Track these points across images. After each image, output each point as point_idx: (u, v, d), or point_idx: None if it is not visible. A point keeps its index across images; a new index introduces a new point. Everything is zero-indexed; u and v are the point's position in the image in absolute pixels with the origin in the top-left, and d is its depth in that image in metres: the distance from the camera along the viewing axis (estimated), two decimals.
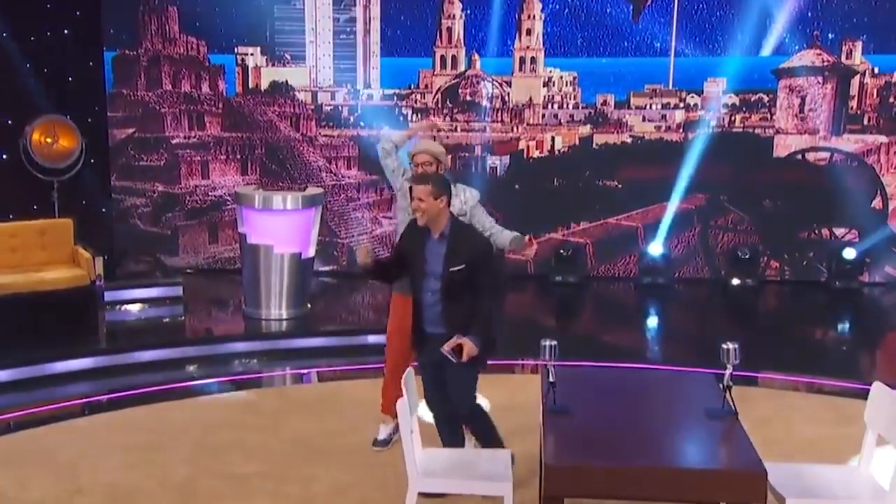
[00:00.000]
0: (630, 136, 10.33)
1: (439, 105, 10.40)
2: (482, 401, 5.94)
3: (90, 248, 8.33)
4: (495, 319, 5.01)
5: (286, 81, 10.37)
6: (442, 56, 10.31)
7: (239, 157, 10.49)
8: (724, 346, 4.34)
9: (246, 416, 6.53)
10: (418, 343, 5.13)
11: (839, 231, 10.35)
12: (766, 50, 9.99)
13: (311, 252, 8.69)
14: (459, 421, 5.20)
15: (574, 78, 10.31)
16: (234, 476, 5.56)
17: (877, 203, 10.24)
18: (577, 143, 10.36)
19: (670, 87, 10.27)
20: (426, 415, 5.29)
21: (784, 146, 10.20)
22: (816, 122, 10.14)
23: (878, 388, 4.43)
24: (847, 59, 10.02)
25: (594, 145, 10.36)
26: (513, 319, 9.57)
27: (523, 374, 7.59)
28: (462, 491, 4.58)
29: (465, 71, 10.36)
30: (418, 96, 10.42)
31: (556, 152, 10.42)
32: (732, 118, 10.22)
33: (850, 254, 10.00)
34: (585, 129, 10.34)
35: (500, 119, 10.43)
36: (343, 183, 10.44)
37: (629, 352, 8.17)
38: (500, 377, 7.30)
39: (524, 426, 5.79)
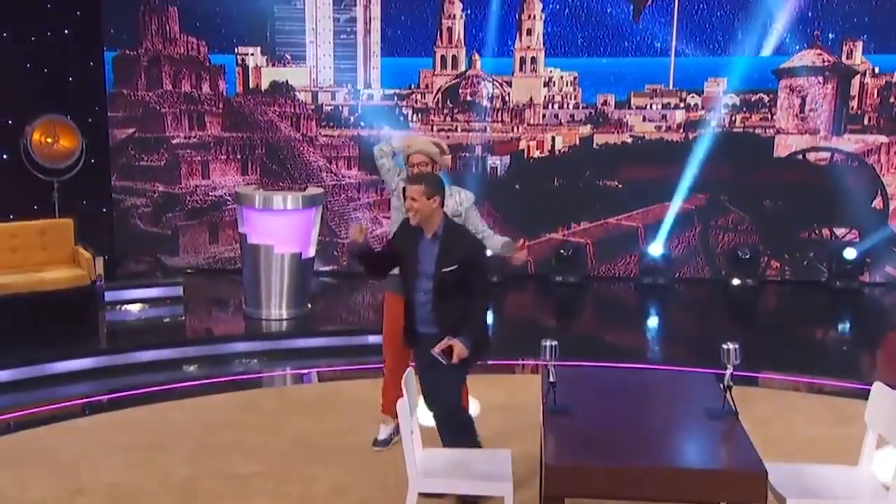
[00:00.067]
0: (630, 136, 10.33)
1: (439, 105, 10.40)
2: (473, 403, 5.96)
3: (90, 248, 8.34)
4: (484, 322, 5.00)
5: (286, 81, 10.37)
6: (442, 56, 10.32)
7: (239, 157, 10.49)
8: (725, 346, 4.33)
9: (246, 416, 6.53)
10: (411, 343, 5.13)
11: (840, 231, 10.35)
12: (767, 50, 9.99)
13: (312, 252, 8.69)
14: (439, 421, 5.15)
15: (574, 78, 10.31)
16: (234, 476, 5.56)
17: (877, 203, 10.24)
18: (578, 143, 10.36)
19: (671, 87, 10.27)
20: (426, 415, 5.28)
21: (784, 146, 10.20)
22: (817, 122, 10.14)
23: (878, 388, 4.43)
24: (847, 59, 10.02)
25: (594, 145, 10.36)
26: (513, 319, 9.62)
27: (523, 374, 7.59)
28: (462, 491, 4.58)
29: (466, 71, 10.36)
30: (419, 96, 10.42)
31: (557, 152, 10.42)
32: (733, 118, 10.22)
33: (850, 254, 10.00)
34: (586, 129, 10.34)
35: (500, 119, 10.42)
36: (343, 183, 10.44)
37: (629, 352, 8.17)
38: (500, 377, 7.32)
39: (524, 426, 5.79)
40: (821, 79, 10.05)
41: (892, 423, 4.24)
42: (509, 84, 10.36)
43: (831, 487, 4.27)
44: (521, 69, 10.30)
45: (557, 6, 10.12)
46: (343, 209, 10.46)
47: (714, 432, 4.26)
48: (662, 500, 3.92)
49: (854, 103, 10.12)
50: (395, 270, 5.24)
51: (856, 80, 10.06)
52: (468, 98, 10.40)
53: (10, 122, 9.36)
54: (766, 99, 10.17)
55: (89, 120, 9.78)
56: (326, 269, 10.37)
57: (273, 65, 10.35)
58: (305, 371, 7.68)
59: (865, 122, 10.13)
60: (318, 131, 10.44)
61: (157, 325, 8.77)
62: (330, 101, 10.43)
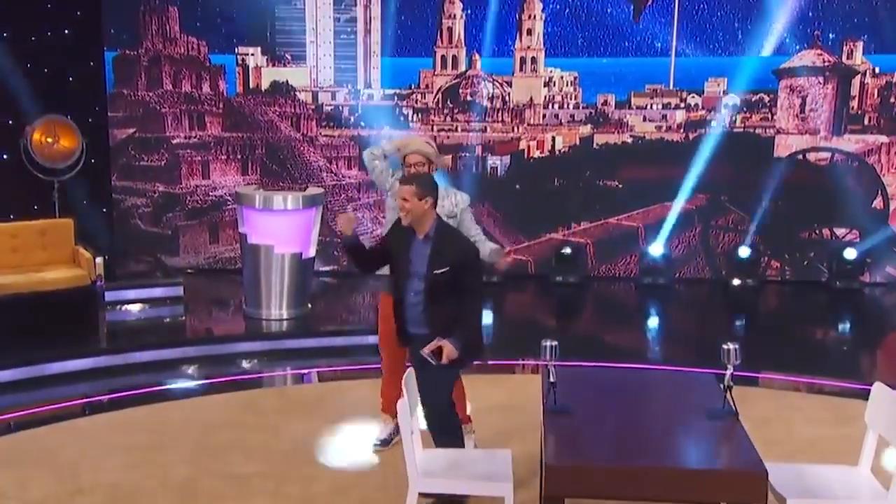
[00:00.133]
0: (631, 136, 10.33)
1: (440, 105, 10.40)
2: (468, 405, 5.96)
3: (91, 248, 8.34)
4: (476, 323, 4.97)
5: (287, 81, 10.37)
6: (442, 56, 10.32)
7: (239, 157, 10.49)
8: (725, 346, 4.33)
9: (246, 416, 6.53)
10: (404, 343, 5.13)
11: (840, 231, 10.35)
12: (767, 50, 9.99)
13: (312, 252, 8.69)
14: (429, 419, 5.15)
15: (575, 78, 10.31)
16: (234, 476, 5.56)
17: (877, 203, 10.24)
18: (578, 143, 10.36)
19: (671, 87, 10.27)
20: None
21: (785, 146, 10.20)
22: (817, 122, 10.14)
23: (878, 388, 4.42)
24: (848, 59, 10.02)
25: (595, 145, 10.36)
26: (513, 319, 9.63)
27: (523, 374, 7.59)
28: (462, 491, 4.57)
29: (466, 71, 10.36)
30: (419, 96, 10.42)
31: (557, 152, 10.42)
32: (733, 118, 10.21)
33: (850, 254, 10.00)
34: (586, 129, 10.34)
35: (500, 119, 10.42)
36: (343, 183, 10.44)
37: (630, 352, 8.17)
38: (500, 377, 7.32)
39: (524, 426, 5.79)
40: (821, 79, 10.05)
41: (892, 423, 4.23)
42: (509, 84, 10.36)
43: (831, 487, 4.27)
44: (521, 69, 10.30)
45: (557, 6, 10.12)
46: (343, 209, 10.45)
47: (714, 432, 4.26)
48: (662, 500, 3.92)
49: (854, 103, 10.12)
50: (386, 270, 5.22)
51: (856, 81, 10.06)
52: (468, 98, 10.40)
53: (10, 122, 9.36)
54: (767, 99, 10.16)
55: (89, 120, 9.79)
56: (326, 269, 10.38)
57: (273, 65, 10.36)
58: (305, 371, 7.68)
59: (866, 122, 10.13)
60: (318, 131, 10.44)
61: (157, 325, 8.77)
62: (330, 101, 10.43)
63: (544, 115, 10.38)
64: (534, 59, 10.26)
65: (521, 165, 10.45)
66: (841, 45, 9.98)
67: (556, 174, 10.41)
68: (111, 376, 7.37)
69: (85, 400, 6.91)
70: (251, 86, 10.37)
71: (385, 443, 5.89)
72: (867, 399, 4.49)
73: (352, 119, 10.41)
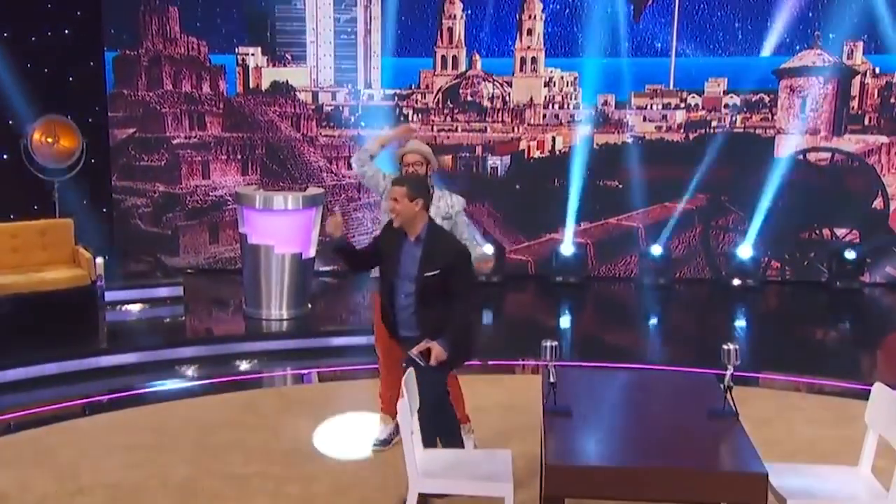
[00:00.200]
0: (631, 136, 10.33)
1: (440, 105, 10.40)
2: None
3: (91, 248, 8.34)
4: (466, 325, 4.96)
5: (287, 81, 10.37)
6: (443, 56, 10.32)
7: (240, 157, 10.49)
8: (725, 346, 4.33)
9: (246, 416, 6.53)
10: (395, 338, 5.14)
11: (840, 231, 10.35)
12: (767, 50, 9.99)
13: (312, 252, 8.69)
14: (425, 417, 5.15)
15: (575, 78, 10.31)
16: (234, 476, 5.56)
17: (878, 203, 10.24)
18: (578, 143, 10.36)
19: (671, 87, 10.27)
20: None
21: (785, 146, 10.20)
22: (817, 122, 10.14)
23: (878, 388, 4.42)
24: (848, 59, 10.03)
25: (595, 145, 10.36)
26: (513, 319, 9.63)
27: (524, 374, 7.58)
28: (462, 492, 4.57)
29: (466, 71, 10.36)
30: (419, 96, 10.42)
31: (557, 152, 10.42)
32: (733, 118, 10.21)
33: (850, 254, 10.00)
34: (586, 130, 10.34)
35: (500, 119, 10.42)
36: (344, 183, 10.44)
37: (630, 352, 8.16)
38: (500, 377, 7.32)
39: (524, 426, 5.79)
40: (821, 79, 10.05)
41: (892, 423, 4.23)
42: (509, 84, 10.36)
43: (831, 488, 4.27)
44: (521, 69, 10.30)
45: (558, 6, 10.12)
46: (343, 209, 10.46)
47: (714, 433, 4.26)
48: (662, 500, 3.92)
49: (854, 103, 10.12)
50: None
51: (856, 81, 10.06)
52: (468, 98, 10.40)
53: (10, 122, 9.36)
54: (767, 99, 10.17)
55: (90, 120, 9.79)
56: (326, 269, 10.37)
57: (273, 65, 10.36)
58: (305, 371, 7.68)
59: (866, 122, 10.13)
60: (318, 131, 10.44)
61: (157, 325, 8.76)
62: (330, 101, 10.43)
63: (544, 115, 10.38)
64: (534, 59, 10.26)
65: (521, 165, 10.45)
66: (841, 46, 9.98)
67: (555, 174, 10.41)
68: (111, 376, 7.36)
69: (85, 400, 6.90)
70: (251, 86, 10.37)
71: (385, 443, 5.89)
72: (867, 399, 4.49)
73: (352, 119, 10.41)
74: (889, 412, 4.27)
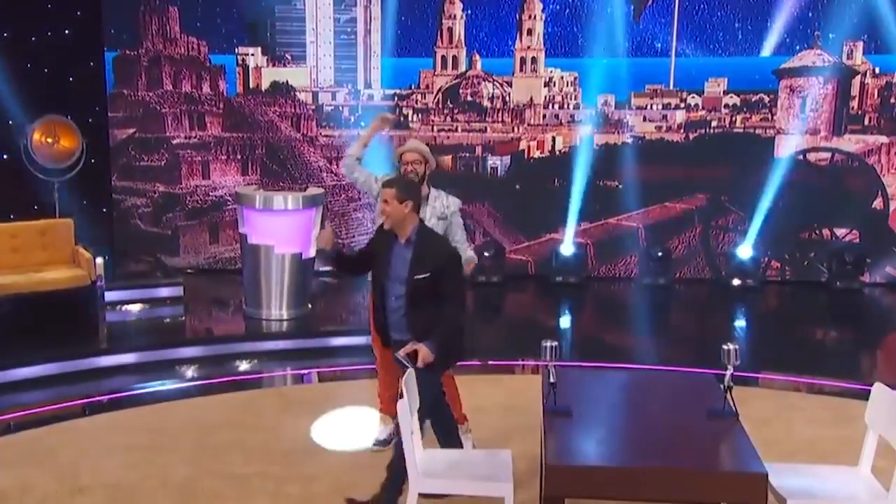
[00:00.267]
0: (631, 136, 10.33)
1: (440, 105, 10.41)
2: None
3: (91, 249, 8.34)
4: (457, 327, 4.95)
5: (287, 82, 10.37)
6: (443, 56, 10.32)
7: (239, 157, 10.49)
8: (725, 346, 4.33)
9: (246, 416, 6.53)
10: (387, 346, 5.14)
11: (840, 231, 10.36)
12: (767, 50, 9.99)
13: (312, 252, 8.68)
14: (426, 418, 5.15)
15: (575, 78, 10.31)
16: (234, 476, 5.56)
17: (878, 203, 10.24)
18: (578, 143, 10.36)
19: (671, 87, 10.27)
20: None
21: (785, 146, 10.20)
22: (817, 122, 10.14)
23: (878, 388, 4.42)
24: (848, 59, 10.03)
25: (595, 145, 10.36)
26: (513, 319, 9.63)
27: (523, 375, 7.58)
28: (462, 492, 4.57)
29: (466, 71, 10.36)
30: (419, 96, 10.42)
31: (557, 152, 10.42)
32: (733, 118, 10.22)
33: (850, 254, 10.02)
34: (586, 130, 10.34)
35: (500, 119, 10.43)
36: (344, 183, 10.43)
37: (630, 352, 8.16)
38: (500, 377, 7.32)
39: (524, 426, 5.79)
40: (821, 79, 10.06)
41: (892, 423, 4.23)
42: (509, 84, 10.37)
43: (831, 488, 4.27)
44: (521, 69, 10.30)
45: (558, 6, 10.12)
46: (344, 209, 10.46)
47: (714, 433, 4.26)
48: (662, 500, 3.92)
49: (854, 104, 10.12)
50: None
51: (856, 81, 10.06)
52: (468, 98, 10.40)
53: (10, 122, 9.36)
54: (767, 99, 10.17)
55: (89, 120, 9.78)
56: (326, 269, 10.36)
57: (273, 65, 10.36)
58: (305, 371, 7.68)
59: (866, 122, 10.14)
60: (318, 131, 10.44)
61: (157, 325, 8.76)
62: (330, 101, 10.43)
63: (544, 116, 10.38)
64: (534, 60, 10.26)
65: (521, 165, 10.45)
66: (841, 46, 9.98)
67: (555, 174, 10.41)
68: (111, 376, 7.36)
69: (85, 400, 6.90)
70: (251, 86, 10.37)
71: (384, 443, 5.88)
72: (867, 399, 4.49)
73: (352, 119, 10.41)
74: (889, 412, 4.27)
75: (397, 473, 4.76)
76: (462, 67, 10.35)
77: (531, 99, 10.34)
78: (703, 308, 9.99)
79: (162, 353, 7.75)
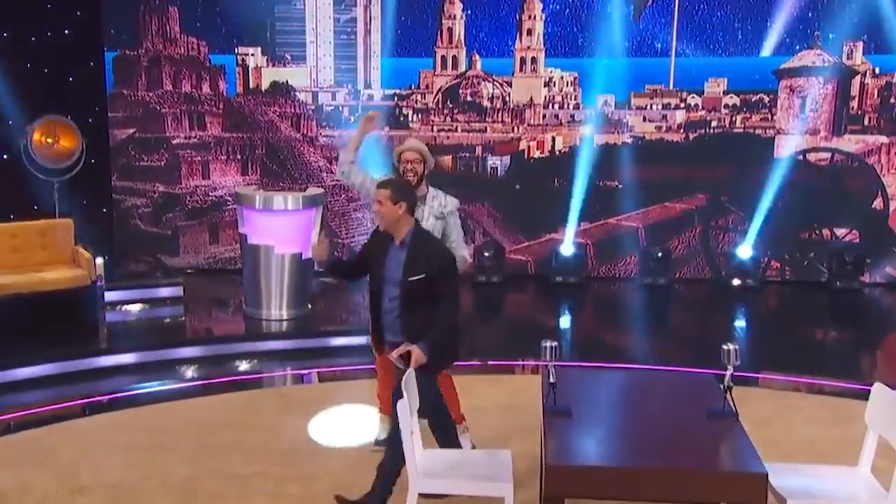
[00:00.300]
0: (631, 136, 10.33)
1: (440, 105, 10.41)
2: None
3: (91, 249, 8.34)
4: (451, 329, 4.95)
5: (287, 82, 10.37)
6: (443, 56, 10.32)
7: (239, 157, 10.49)
8: (725, 347, 4.33)
9: (246, 416, 6.53)
10: (381, 348, 5.14)
11: (840, 231, 10.36)
12: (767, 50, 9.99)
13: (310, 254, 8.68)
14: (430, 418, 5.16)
15: (575, 78, 10.32)
16: (234, 476, 5.56)
17: (877, 203, 10.24)
18: (578, 143, 10.36)
19: (671, 87, 10.27)
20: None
21: (785, 146, 10.20)
22: (817, 122, 10.14)
23: (878, 388, 4.42)
24: (848, 59, 10.03)
25: (595, 145, 10.36)
26: (513, 319, 9.63)
27: (523, 375, 7.58)
28: (462, 492, 4.57)
29: (466, 71, 10.36)
30: (419, 96, 10.42)
31: (557, 152, 10.42)
32: (733, 118, 10.22)
33: (850, 254, 10.02)
34: (586, 130, 10.34)
35: (500, 119, 10.43)
36: (344, 183, 10.40)
37: (629, 352, 8.16)
38: (500, 377, 7.32)
39: (524, 426, 5.79)
40: (821, 79, 10.06)
41: (892, 423, 4.24)
42: (509, 84, 10.37)
43: (831, 487, 4.27)
44: (521, 69, 10.30)
45: (557, 6, 10.12)
46: (344, 209, 10.46)
47: (714, 433, 4.26)
48: (662, 500, 3.92)
49: (854, 104, 10.12)
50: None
51: (856, 81, 10.06)
52: (468, 98, 10.40)
53: (10, 122, 9.36)
54: (767, 99, 10.17)
55: (89, 120, 9.79)
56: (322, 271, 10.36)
57: (273, 65, 10.36)
58: (305, 371, 7.68)
59: (866, 122, 10.14)
60: (318, 131, 10.44)
61: (157, 325, 8.77)
62: (330, 101, 10.43)
63: (544, 116, 10.38)
64: (534, 60, 10.26)
65: (521, 165, 10.45)
66: (841, 46, 9.98)
67: (555, 174, 10.41)
68: (111, 376, 7.37)
69: (85, 400, 6.90)
70: (251, 86, 10.37)
71: (385, 443, 5.88)
72: (867, 399, 4.49)
73: (352, 119, 10.41)
74: (889, 412, 4.27)
75: (388, 474, 4.77)
76: (462, 67, 10.36)
77: (531, 99, 10.34)
78: (703, 308, 9.99)
79: (162, 353, 7.75)
